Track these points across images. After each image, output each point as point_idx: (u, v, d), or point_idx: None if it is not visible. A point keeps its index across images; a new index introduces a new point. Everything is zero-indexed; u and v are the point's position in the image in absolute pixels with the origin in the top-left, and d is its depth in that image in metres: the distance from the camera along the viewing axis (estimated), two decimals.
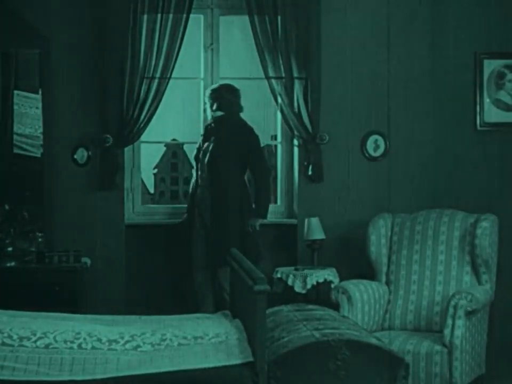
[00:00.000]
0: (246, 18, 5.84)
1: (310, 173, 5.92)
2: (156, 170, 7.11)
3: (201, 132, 5.96)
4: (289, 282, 5.57)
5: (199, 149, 5.86)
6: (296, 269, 5.64)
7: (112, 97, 5.75)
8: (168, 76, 5.77)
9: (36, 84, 5.82)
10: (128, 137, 5.80)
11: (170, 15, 5.74)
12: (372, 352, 3.80)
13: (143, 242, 5.99)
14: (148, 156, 6.51)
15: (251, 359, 3.71)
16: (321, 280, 5.59)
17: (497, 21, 6.00)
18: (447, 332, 4.93)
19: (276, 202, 6.22)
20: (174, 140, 6.76)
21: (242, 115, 5.81)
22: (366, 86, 6.00)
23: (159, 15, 5.73)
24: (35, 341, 3.77)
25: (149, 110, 5.77)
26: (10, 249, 5.49)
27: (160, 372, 3.66)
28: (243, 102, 5.82)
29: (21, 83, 5.83)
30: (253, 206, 5.72)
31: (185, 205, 6.04)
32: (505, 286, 5.75)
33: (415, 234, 5.59)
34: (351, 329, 3.95)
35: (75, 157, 5.86)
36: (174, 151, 7.09)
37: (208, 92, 5.84)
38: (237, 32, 6.33)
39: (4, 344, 3.74)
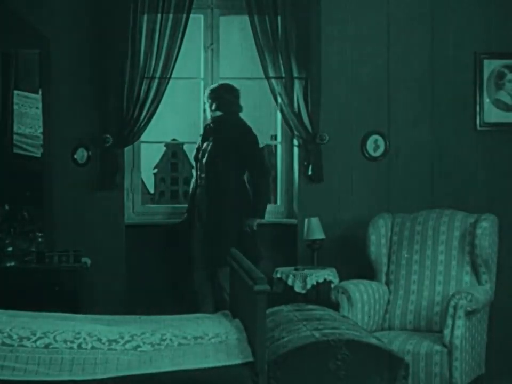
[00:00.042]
0: (246, 18, 5.84)
1: (310, 173, 5.92)
2: (156, 170, 7.11)
3: (201, 132, 5.96)
4: (289, 282, 5.57)
5: (198, 149, 5.86)
6: (296, 269, 5.63)
7: (112, 97, 5.76)
8: (168, 76, 5.77)
9: (36, 84, 5.82)
10: (128, 137, 5.80)
11: (170, 15, 5.74)
12: (371, 352, 3.79)
13: (143, 242, 5.98)
14: (147, 155, 6.51)
15: (251, 359, 3.70)
16: (321, 280, 5.58)
17: (497, 21, 6.00)
18: (447, 332, 4.93)
19: (275, 202, 6.22)
20: (174, 139, 6.76)
21: (242, 115, 5.81)
22: (366, 86, 6.00)
23: (159, 15, 5.73)
24: (35, 341, 3.77)
25: (149, 110, 5.77)
26: (10, 249, 5.49)
27: (160, 372, 3.66)
28: (243, 102, 5.82)
29: (21, 83, 5.84)
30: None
31: (185, 205, 6.04)
32: (505, 286, 5.74)
33: (415, 234, 5.58)
34: (351, 329, 3.95)
35: (75, 156, 5.86)
36: (174, 151, 7.09)
37: (207, 91, 5.84)
38: (237, 32, 6.33)
39: (3, 344, 3.74)
